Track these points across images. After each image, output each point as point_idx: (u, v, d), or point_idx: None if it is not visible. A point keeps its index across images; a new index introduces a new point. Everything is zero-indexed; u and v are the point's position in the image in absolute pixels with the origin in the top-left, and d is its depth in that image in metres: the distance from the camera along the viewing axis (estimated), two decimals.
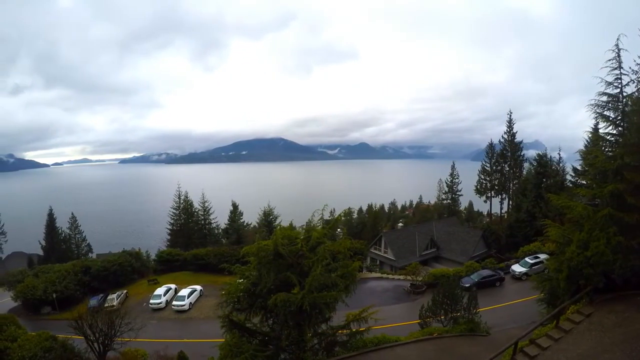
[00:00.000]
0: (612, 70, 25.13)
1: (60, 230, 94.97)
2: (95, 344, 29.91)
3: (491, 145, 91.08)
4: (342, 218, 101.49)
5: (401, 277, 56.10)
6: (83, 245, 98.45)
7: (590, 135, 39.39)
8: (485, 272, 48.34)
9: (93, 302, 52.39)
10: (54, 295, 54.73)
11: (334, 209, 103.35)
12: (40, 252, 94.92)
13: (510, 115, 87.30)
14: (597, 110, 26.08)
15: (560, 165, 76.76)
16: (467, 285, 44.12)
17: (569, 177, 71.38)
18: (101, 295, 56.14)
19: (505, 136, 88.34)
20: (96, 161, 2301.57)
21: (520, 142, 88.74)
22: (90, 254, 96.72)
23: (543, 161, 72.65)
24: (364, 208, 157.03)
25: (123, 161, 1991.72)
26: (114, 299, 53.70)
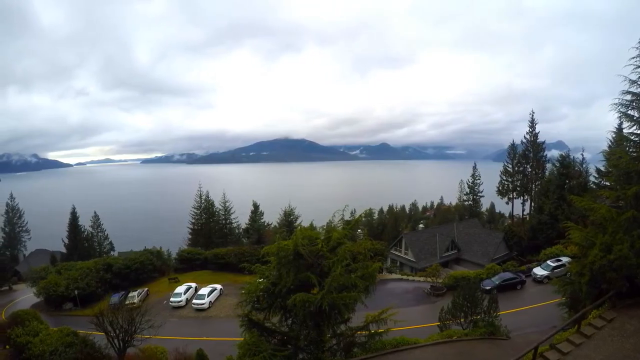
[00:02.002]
0: (636, 68, 24.46)
1: (83, 229, 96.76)
2: (116, 340, 30.26)
3: (513, 146, 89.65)
4: (363, 219, 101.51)
5: (421, 278, 55.69)
6: (105, 243, 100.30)
7: (614, 135, 38.64)
8: (506, 275, 47.58)
9: (114, 299, 53.18)
10: (76, 292, 55.86)
11: (354, 210, 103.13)
12: (63, 250, 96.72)
13: (532, 115, 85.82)
14: (621, 110, 25.46)
15: (584, 166, 75.28)
16: (487, 287, 43.57)
17: (592, 179, 70.00)
18: (122, 292, 57.05)
19: (528, 136, 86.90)
20: (118, 161, 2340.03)
21: (543, 143, 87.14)
22: (112, 252, 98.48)
23: (566, 162, 71.01)
24: (385, 209, 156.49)
25: (145, 161, 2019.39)
26: (134, 296, 54.51)
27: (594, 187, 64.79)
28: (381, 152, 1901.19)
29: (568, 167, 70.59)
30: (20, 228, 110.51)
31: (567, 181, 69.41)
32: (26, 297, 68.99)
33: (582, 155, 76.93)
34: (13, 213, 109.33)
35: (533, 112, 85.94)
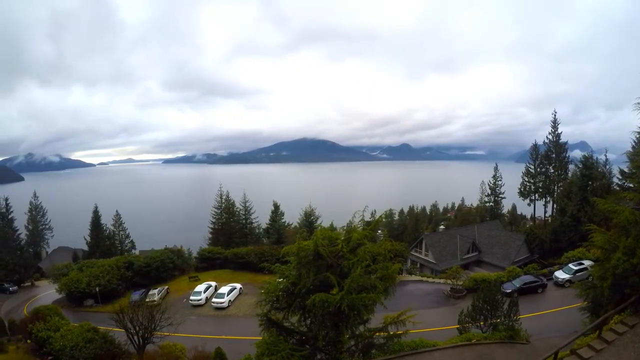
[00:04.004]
0: None
1: (105, 227, 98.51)
2: (135, 337, 30.76)
3: (535, 147, 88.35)
4: (383, 219, 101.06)
5: (441, 280, 55.19)
6: (126, 241, 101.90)
7: (637, 136, 37.80)
8: (527, 278, 46.84)
9: (135, 296, 54.15)
10: (97, 289, 57.00)
11: (374, 210, 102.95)
12: (85, 248, 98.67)
13: (555, 115, 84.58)
14: None
15: (607, 167, 73.78)
16: (508, 291, 43.04)
17: (615, 180, 68.68)
18: (143, 290, 58.00)
19: (550, 137, 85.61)
20: (139, 161, 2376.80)
21: (566, 143, 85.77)
22: (133, 251, 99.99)
23: (589, 163, 69.41)
24: (405, 209, 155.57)
25: (167, 161, 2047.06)
26: (155, 294, 55.31)
27: (618, 188, 63.62)
28: (402, 152, 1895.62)
29: (591, 168, 69.08)
30: (44, 226, 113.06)
31: (590, 182, 67.97)
32: (48, 293, 70.65)
33: (606, 156, 75.50)
34: (36, 211, 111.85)
35: (555, 112, 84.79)
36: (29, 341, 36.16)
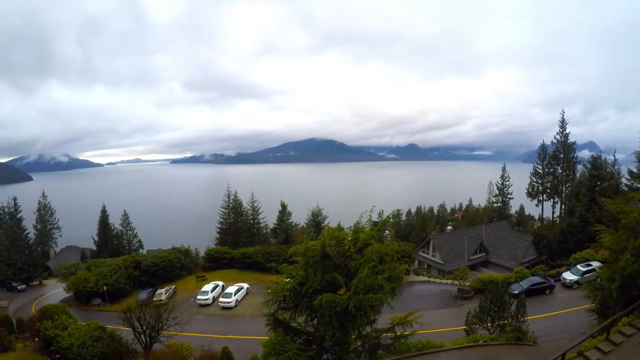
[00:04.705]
0: None
1: (112, 227, 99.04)
2: (142, 336, 30.85)
3: (543, 147, 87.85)
4: (390, 220, 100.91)
5: (448, 281, 55.09)
6: (134, 241, 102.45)
7: None
8: (535, 279, 46.63)
9: (142, 295, 54.44)
10: (105, 288, 57.26)
11: (382, 211, 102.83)
12: (93, 247, 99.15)
13: (563, 115, 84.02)
14: None
15: (616, 167, 73.17)
16: (515, 292, 42.77)
17: (624, 180, 68.13)
18: (150, 289, 58.25)
19: (558, 137, 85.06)
20: (147, 161, 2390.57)
21: (574, 143, 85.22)
22: (140, 250, 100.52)
23: (597, 163, 68.97)
24: (413, 210, 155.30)
25: (174, 161, 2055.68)
26: (162, 293, 55.53)
27: (626, 189, 63.12)
28: (409, 152, 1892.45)
29: (599, 168, 68.63)
30: (52, 225, 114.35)
31: (599, 183, 67.52)
32: (56, 292, 71.18)
33: (614, 156, 74.85)
34: (45, 211, 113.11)
35: (563, 112, 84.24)
36: (36, 339, 36.40)
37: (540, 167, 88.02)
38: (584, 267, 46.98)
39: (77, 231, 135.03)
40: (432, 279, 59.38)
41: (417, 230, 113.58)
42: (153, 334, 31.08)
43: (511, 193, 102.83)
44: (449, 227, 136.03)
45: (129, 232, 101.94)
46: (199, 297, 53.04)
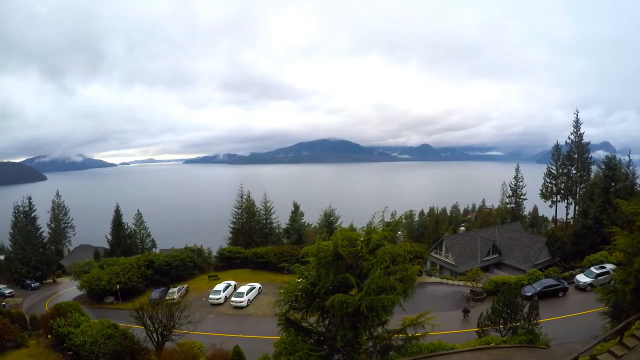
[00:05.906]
0: None
1: (126, 226, 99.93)
2: (154, 334, 31.17)
3: (557, 147, 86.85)
4: (403, 220, 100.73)
5: (461, 282, 54.86)
6: (147, 240, 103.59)
7: None
8: (548, 282, 46.17)
9: (155, 294, 54.83)
10: (118, 286, 57.90)
11: (394, 211, 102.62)
12: (107, 246, 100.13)
13: (577, 115, 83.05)
14: None
15: (630, 168, 71.99)
16: (528, 294, 42.48)
17: (639, 182, 67.16)
18: (163, 288, 58.78)
19: (572, 137, 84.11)
20: (160, 161, 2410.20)
21: (588, 144, 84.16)
22: (153, 249, 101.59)
23: (612, 164, 68.05)
24: (426, 211, 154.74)
25: (187, 161, 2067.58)
26: (174, 292, 56.06)
27: None
28: (422, 153, 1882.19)
29: (614, 169, 67.70)
30: (66, 224, 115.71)
31: (613, 184, 66.67)
32: (69, 289, 72.13)
33: (629, 156, 73.71)
34: (59, 210, 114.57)
35: (577, 112, 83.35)
36: (49, 336, 36.86)
37: (554, 168, 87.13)
38: (597, 270, 46.35)
39: (90, 230, 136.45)
40: (444, 281, 59.17)
41: (429, 231, 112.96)
42: (165, 332, 31.37)
43: (525, 194, 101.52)
44: (462, 228, 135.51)
45: (142, 231, 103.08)
46: (211, 296, 53.36)
